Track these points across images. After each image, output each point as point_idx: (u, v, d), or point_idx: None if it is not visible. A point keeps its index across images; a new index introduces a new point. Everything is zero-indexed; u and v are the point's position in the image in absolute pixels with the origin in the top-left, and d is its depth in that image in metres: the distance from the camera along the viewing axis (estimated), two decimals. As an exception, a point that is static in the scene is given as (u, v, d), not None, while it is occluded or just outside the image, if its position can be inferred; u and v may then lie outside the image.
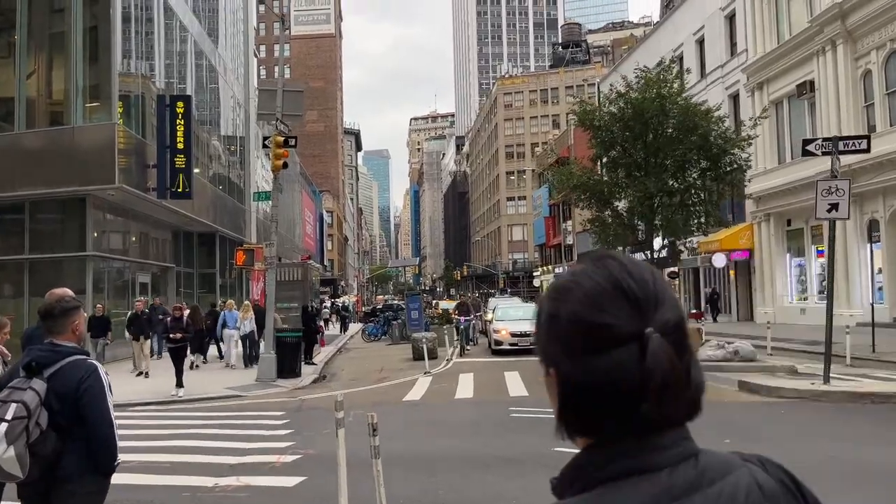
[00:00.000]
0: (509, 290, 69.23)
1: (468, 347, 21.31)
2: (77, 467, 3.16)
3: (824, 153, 10.41)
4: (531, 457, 7.25)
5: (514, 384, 13.19)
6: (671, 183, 17.26)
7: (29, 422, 3.04)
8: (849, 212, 10.29)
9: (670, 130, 16.97)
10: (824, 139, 10.66)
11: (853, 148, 10.47)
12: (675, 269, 33.47)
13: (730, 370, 13.57)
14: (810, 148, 10.51)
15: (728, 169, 16.95)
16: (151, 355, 17.46)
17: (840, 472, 6.51)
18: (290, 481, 6.72)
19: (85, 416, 3.14)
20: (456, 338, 22.13)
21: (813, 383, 10.66)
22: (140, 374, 16.02)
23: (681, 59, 29.17)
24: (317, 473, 6.88)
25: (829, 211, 10.25)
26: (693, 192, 17.46)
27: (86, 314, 14.62)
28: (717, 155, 16.70)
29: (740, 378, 11.91)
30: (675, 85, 17.47)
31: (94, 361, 3.33)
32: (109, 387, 3.27)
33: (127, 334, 17.17)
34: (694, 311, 30.89)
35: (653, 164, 17.23)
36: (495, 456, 7.39)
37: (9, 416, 3.01)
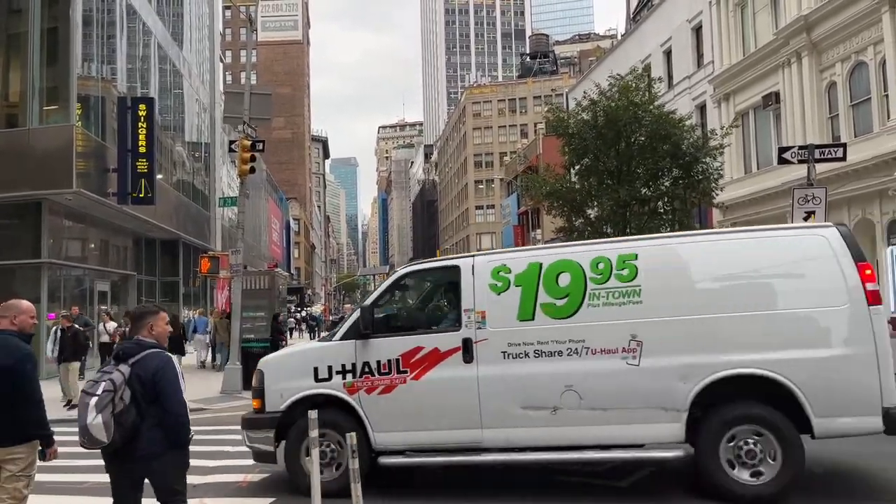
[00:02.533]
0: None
1: None
2: (159, 446, 3.99)
3: (800, 161, 10.39)
4: (510, 472, 6.97)
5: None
6: (643, 191, 17.23)
7: (115, 395, 3.92)
8: (825, 219, 10.26)
9: (643, 139, 16.96)
10: (800, 147, 10.65)
11: (829, 156, 10.48)
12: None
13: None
14: (786, 156, 10.50)
15: (700, 177, 16.99)
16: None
17: (837, 486, 6.34)
18: (259, 503, 6.32)
19: (161, 398, 4.01)
20: None
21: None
22: (69, 403, 12.66)
23: (648, 69, 29.39)
24: (287, 494, 6.50)
25: (805, 219, 10.22)
26: (665, 200, 17.47)
27: (57, 328, 13.11)
28: (690, 163, 16.73)
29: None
30: (648, 93, 17.48)
31: (168, 354, 4.23)
32: (182, 375, 4.17)
33: (49, 353, 14.88)
34: None
35: (625, 172, 17.19)
36: (474, 471, 7.07)
37: (99, 392, 3.92)
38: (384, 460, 6.25)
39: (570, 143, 17.79)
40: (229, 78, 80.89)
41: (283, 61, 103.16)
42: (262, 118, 16.05)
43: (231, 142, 17.21)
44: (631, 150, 17.05)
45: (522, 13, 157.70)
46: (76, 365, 13.44)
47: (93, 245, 21.37)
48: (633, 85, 17.63)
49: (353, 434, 4.62)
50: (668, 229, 18.06)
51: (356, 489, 4.56)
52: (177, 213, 26.00)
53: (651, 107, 17.14)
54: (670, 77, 33.71)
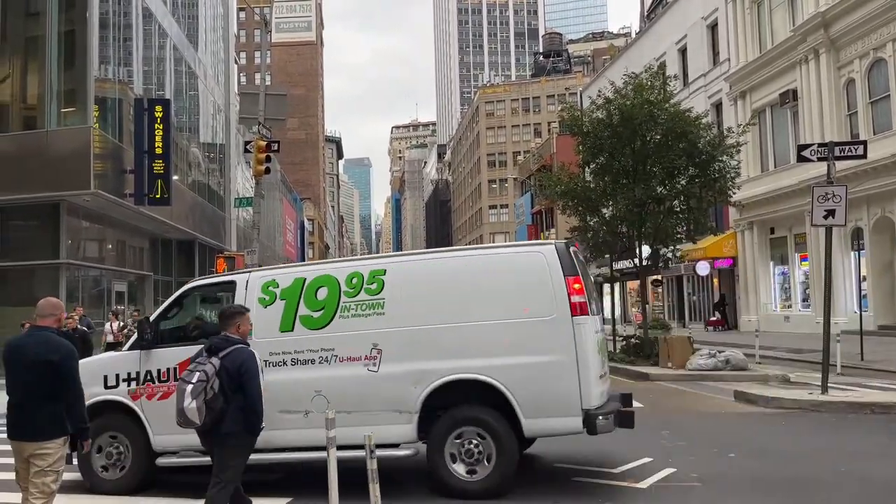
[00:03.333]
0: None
1: None
2: (236, 427, 4.78)
3: (820, 159, 10.24)
4: (525, 473, 6.93)
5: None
6: (659, 190, 17.04)
7: (207, 385, 4.67)
8: (845, 218, 10.13)
9: (658, 137, 16.77)
10: (820, 144, 10.50)
11: (849, 153, 10.33)
12: (659, 277, 33.38)
13: (722, 379, 13.39)
14: (806, 153, 10.35)
15: (716, 176, 16.78)
16: None
17: (853, 489, 6.25)
18: (277, 503, 6.32)
19: (243, 388, 4.76)
20: None
21: (811, 393, 10.46)
22: None
23: (663, 67, 29.16)
24: (303, 493, 6.51)
25: (825, 217, 10.08)
26: (682, 199, 17.26)
27: (65, 330, 13.28)
28: (706, 162, 16.53)
29: (735, 388, 11.69)
30: (663, 91, 17.29)
31: (252, 350, 4.96)
32: (262, 370, 4.93)
33: None
34: (713, 318, 30.54)
35: (640, 171, 17.01)
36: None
37: (194, 380, 4.67)
38: (160, 460, 6.75)
39: (585, 142, 17.63)
40: (243, 79, 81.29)
41: (296, 62, 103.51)
42: (278, 119, 16.10)
43: (246, 142, 17.28)
44: (646, 148, 16.85)
45: (535, 12, 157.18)
46: None
47: (110, 246, 21.56)
48: (649, 83, 17.44)
49: (371, 435, 4.62)
50: (684, 228, 17.88)
51: (374, 489, 4.54)
52: (192, 213, 26.16)
53: (667, 105, 16.93)
54: (685, 75, 33.44)
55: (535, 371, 5.96)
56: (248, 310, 5.27)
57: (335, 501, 4.94)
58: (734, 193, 17.87)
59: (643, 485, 6.34)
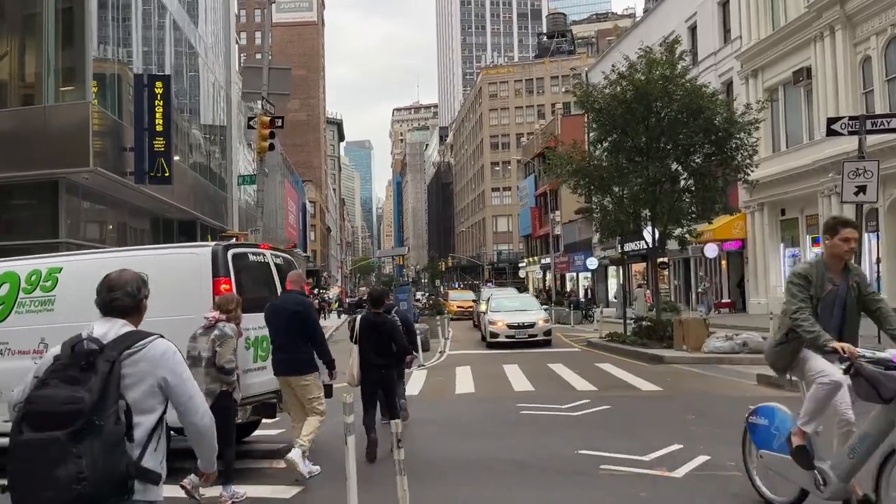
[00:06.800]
0: (494, 282, 68.76)
1: None
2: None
3: (851, 132, 9.81)
4: (549, 460, 6.61)
5: (517, 378, 12.52)
6: (674, 168, 16.62)
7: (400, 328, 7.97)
8: (877, 194, 9.71)
9: (674, 113, 16.31)
10: (851, 118, 10.05)
11: (882, 127, 9.89)
12: (665, 259, 32.95)
13: (741, 363, 13.06)
14: (836, 127, 9.91)
15: (733, 153, 16.33)
16: None
17: None
18: (287, 492, 5.97)
19: (409, 330, 8.98)
20: None
21: (837, 377, 10.08)
22: None
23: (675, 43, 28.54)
24: (315, 482, 6.17)
25: (856, 194, 9.67)
26: (698, 177, 16.82)
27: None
28: (723, 139, 16.07)
29: (757, 371, 11.34)
30: (680, 65, 16.78)
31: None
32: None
33: None
34: (726, 300, 30.19)
35: (655, 148, 16.58)
36: (511, 460, 6.69)
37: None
38: None
39: (598, 119, 17.18)
40: (244, 59, 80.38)
41: (297, 43, 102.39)
42: (282, 93, 15.63)
43: (250, 118, 16.81)
44: (661, 125, 16.40)
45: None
46: None
47: (111, 226, 21.15)
48: (663, 58, 16.93)
49: (398, 422, 4.26)
50: (697, 209, 17.46)
51: (402, 482, 4.18)
52: (194, 193, 25.74)
53: (682, 80, 16.45)
54: (695, 54, 32.80)
55: None
56: (390, 291, 7.75)
57: (353, 488, 4.59)
58: (752, 171, 17.41)
59: (677, 474, 5.97)
